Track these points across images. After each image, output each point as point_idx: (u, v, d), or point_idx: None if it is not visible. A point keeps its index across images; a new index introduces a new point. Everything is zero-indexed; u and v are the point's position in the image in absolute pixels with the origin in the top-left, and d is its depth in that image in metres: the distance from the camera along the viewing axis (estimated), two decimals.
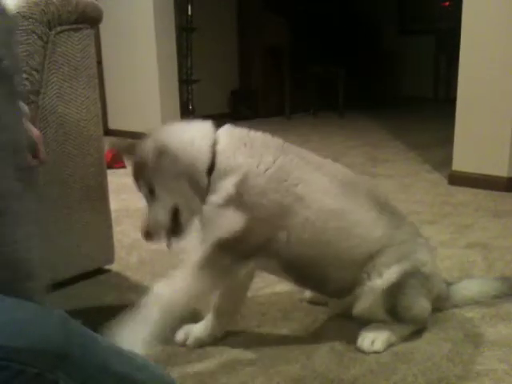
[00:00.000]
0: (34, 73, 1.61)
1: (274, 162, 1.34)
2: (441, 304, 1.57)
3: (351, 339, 1.46)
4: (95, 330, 1.10)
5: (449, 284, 1.61)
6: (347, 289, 1.43)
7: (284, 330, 1.56)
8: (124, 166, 3.76)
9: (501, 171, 2.91)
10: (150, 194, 1.37)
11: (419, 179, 3.28)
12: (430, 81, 6.91)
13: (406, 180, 3.25)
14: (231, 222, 1.30)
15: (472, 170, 3.02)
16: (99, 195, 1.90)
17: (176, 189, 1.35)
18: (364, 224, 1.39)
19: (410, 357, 1.40)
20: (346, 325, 1.53)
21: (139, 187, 1.40)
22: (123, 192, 2.83)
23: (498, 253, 2.07)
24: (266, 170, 1.33)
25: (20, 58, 1.04)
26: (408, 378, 1.31)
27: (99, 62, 4.87)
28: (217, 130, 1.39)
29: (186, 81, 5.44)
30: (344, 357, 1.41)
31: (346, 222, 1.38)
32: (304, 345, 1.48)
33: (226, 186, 1.31)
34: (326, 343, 1.47)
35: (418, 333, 1.48)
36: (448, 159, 3.16)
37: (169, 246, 1.42)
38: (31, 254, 0.97)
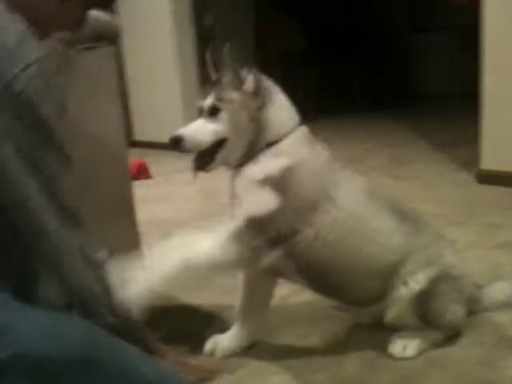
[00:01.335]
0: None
1: (323, 162, 1.39)
2: (472, 307, 1.54)
3: (381, 346, 1.45)
4: None
5: (480, 287, 1.58)
6: (370, 298, 1.43)
7: (312, 338, 1.55)
8: (149, 177, 3.81)
9: None
10: (210, 110, 1.35)
11: (446, 179, 3.22)
12: (446, 77, 6.79)
13: (432, 180, 3.20)
14: (267, 200, 1.30)
15: (501, 168, 2.94)
16: (125, 207, 1.92)
17: (240, 127, 1.34)
18: (386, 233, 1.39)
19: (442, 362, 1.38)
20: (375, 332, 1.52)
21: (203, 97, 1.38)
22: (150, 203, 2.86)
23: None
24: (315, 166, 1.36)
25: (61, 104, 1.07)
26: None
27: (122, 74, 4.95)
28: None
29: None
30: (374, 364, 1.40)
31: (370, 229, 1.38)
32: (333, 353, 1.47)
33: (273, 165, 1.32)
34: (355, 351, 1.46)
35: (450, 338, 1.46)
36: (475, 157, 3.10)
37: (194, 173, 1.39)
38: None
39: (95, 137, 1.79)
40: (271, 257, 1.33)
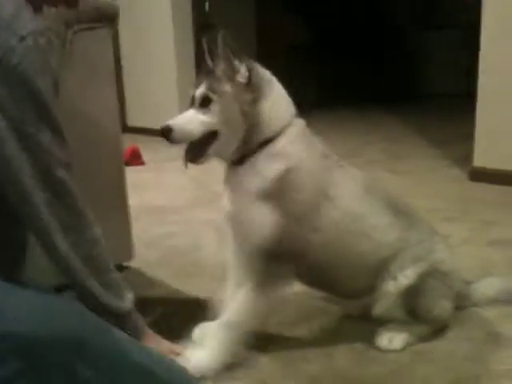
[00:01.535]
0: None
1: (320, 161, 1.35)
2: (461, 303, 1.55)
3: (370, 338, 1.45)
4: None
5: (468, 283, 1.59)
6: (361, 291, 1.43)
7: (302, 330, 1.55)
8: (142, 163, 3.79)
9: None
10: (202, 101, 1.29)
11: (440, 175, 3.24)
12: (451, 76, 6.80)
13: (427, 176, 3.22)
14: (269, 221, 1.27)
15: (493, 166, 2.97)
16: (117, 192, 1.91)
17: (232, 120, 1.28)
18: (381, 229, 1.39)
19: (429, 356, 1.39)
20: (364, 324, 1.52)
21: (194, 90, 1.32)
22: (142, 188, 2.85)
23: None
24: (313, 167, 1.33)
25: (56, 80, 1.06)
26: (428, 378, 1.30)
27: (118, 60, 4.90)
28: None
29: None
30: (363, 356, 1.40)
31: (367, 225, 1.38)
32: (323, 344, 1.47)
33: (270, 173, 1.28)
34: (344, 343, 1.47)
35: (438, 332, 1.47)
36: (468, 155, 3.11)
37: (185, 164, 1.35)
38: None
39: (90, 119, 1.78)
40: (291, 267, 1.34)
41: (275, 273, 1.31)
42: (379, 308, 1.42)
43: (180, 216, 2.55)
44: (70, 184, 1.09)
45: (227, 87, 1.28)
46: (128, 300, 1.24)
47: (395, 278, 1.39)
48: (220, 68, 1.29)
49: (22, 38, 0.96)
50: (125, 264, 1.99)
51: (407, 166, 3.48)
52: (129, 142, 3.82)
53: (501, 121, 2.91)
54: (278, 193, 1.28)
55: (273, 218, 1.27)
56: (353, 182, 1.40)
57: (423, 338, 1.45)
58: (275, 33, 5.83)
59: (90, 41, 1.70)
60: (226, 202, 1.38)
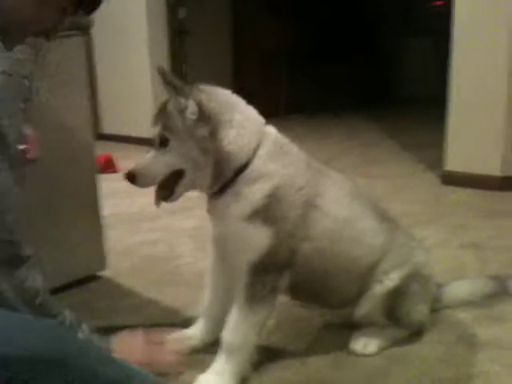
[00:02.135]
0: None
1: (305, 175, 1.31)
2: (433, 305, 1.56)
3: (345, 344, 1.46)
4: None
5: (440, 285, 1.60)
6: (350, 299, 1.43)
7: (277, 337, 1.54)
8: (116, 171, 3.75)
9: (494, 170, 2.91)
10: (161, 142, 1.25)
11: (413, 179, 3.27)
12: (427, 81, 6.90)
13: (401, 180, 3.25)
14: (258, 239, 1.25)
15: (465, 170, 3.01)
16: (91, 200, 1.89)
17: (198, 161, 1.23)
18: (370, 232, 1.39)
19: (403, 359, 1.40)
20: (339, 330, 1.53)
21: (153, 126, 1.27)
22: (116, 197, 2.81)
23: (492, 253, 2.07)
24: (296, 179, 1.28)
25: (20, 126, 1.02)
26: (402, 381, 1.31)
27: (92, 67, 4.86)
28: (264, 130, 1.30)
29: None
30: (338, 361, 1.41)
31: (357, 230, 1.37)
32: (297, 350, 1.47)
33: (255, 196, 1.24)
34: (319, 348, 1.47)
35: (412, 336, 1.48)
36: (442, 159, 3.15)
37: (157, 203, 1.32)
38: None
39: (63, 127, 1.76)
40: (286, 277, 1.32)
41: (266, 286, 1.29)
42: (361, 311, 1.42)
43: (155, 224, 2.53)
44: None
45: (180, 123, 1.22)
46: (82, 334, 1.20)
47: (381, 282, 1.39)
48: (170, 103, 1.24)
49: None
50: (98, 274, 1.96)
51: (382, 170, 3.51)
52: (103, 149, 3.79)
53: (472, 125, 2.96)
54: (265, 211, 1.25)
55: (262, 233, 1.25)
56: (338, 189, 1.39)
57: (398, 342, 1.46)
58: (252, 38, 5.83)
59: (63, 49, 1.68)
60: (211, 229, 1.36)
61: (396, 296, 1.40)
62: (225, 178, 1.24)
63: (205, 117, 1.21)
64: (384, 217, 1.44)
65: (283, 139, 1.34)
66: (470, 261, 2.01)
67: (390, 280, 1.39)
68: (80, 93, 1.82)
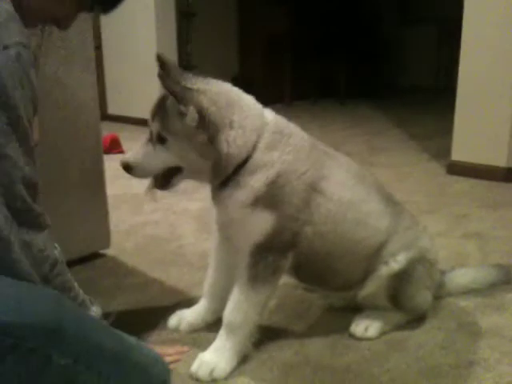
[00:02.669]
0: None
1: (308, 159, 1.30)
2: (435, 292, 1.57)
3: (345, 327, 1.47)
4: None
5: (443, 272, 1.61)
6: (354, 282, 1.43)
7: (278, 317, 1.56)
8: (122, 152, 3.75)
9: (499, 161, 2.90)
10: (158, 139, 1.24)
11: (418, 169, 3.26)
12: (431, 70, 6.86)
13: (405, 169, 3.24)
14: (262, 223, 1.26)
15: (470, 160, 3.01)
16: (96, 180, 1.90)
17: (196, 162, 1.24)
18: (375, 215, 1.39)
19: (403, 345, 1.41)
20: (341, 313, 1.54)
21: (151, 121, 1.25)
22: (121, 177, 2.79)
23: (494, 243, 2.07)
24: (298, 165, 1.27)
25: (34, 96, 1.01)
26: (401, 366, 1.32)
27: (99, 47, 4.84)
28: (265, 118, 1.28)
29: (185, 67, 5.40)
30: (337, 344, 1.42)
31: (362, 212, 1.37)
32: (297, 332, 1.48)
33: (258, 183, 1.24)
34: (319, 330, 1.48)
35: (412, 321, 1.49)
36: (447, 149, 3.15)
37: (148, 193, 1.34)
38: None
39: (69, 105, 1.76)
40: (288, 258, 1.32)
41: (268, 266, 1.29)
42: (365, 291, 1.43)
43: (158, 205, 2.53)
44: (31, 204, 1.02)
45: (179, 126, 1.20)
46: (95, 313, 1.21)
47: (387, 263, 1.39)
48: (170, 103, 1.21)
49: (5, 48, 0.93)
50: (102, 252, 1.98)
51: (386, 159, 3.51)
52: (109, 129, 3.78)
53: (479, 116, 2.95)
54: (268, 197, 1.25)
55: (265, 217, 1.26)
56: (343, 171, 1.38)
57: (398, 327, 1.47)
58: (257, 22, 5.79)
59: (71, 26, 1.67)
60: (215, 216, 1.37)
61: (401, 278, 1.40)
62: (225, 173, 1.25)
63: (205, 123, 1.19)
64: (389, 200, 1.44)
65: (283, 123, 1.32)
66: (472, 250, 2.01)
67: (396, 262, 1.39)
68: (87, 70, 1.80)
